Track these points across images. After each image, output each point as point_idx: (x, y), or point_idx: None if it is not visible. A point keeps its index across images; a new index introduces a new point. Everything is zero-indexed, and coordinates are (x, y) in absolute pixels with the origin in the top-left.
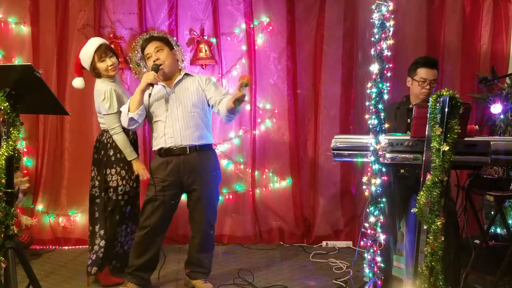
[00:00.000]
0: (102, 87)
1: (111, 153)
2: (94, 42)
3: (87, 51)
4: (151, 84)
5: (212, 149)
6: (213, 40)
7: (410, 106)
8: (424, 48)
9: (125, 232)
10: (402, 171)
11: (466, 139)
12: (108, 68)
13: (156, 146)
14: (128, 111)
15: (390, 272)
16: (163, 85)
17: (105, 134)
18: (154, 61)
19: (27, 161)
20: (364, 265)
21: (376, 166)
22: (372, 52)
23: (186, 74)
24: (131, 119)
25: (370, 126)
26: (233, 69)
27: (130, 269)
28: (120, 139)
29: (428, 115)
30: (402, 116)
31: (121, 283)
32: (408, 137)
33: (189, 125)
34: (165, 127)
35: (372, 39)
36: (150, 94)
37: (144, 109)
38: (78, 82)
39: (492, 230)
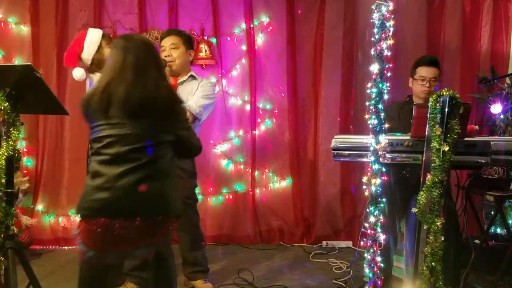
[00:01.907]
0: None
1: None
2: (97, 30)
3: (94, 36)
4: None
5: None
6: (213, 40)
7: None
8: (424, 48)
9: None
10: (404, 172)
11: (466, 139)
12: None
13: None
14: None
15: (390, 272)
16: None
17: None
18: (165, 56)
19: (27, 161)
20: (364, 265)
21: (376, 166)
22: (372, 52)
23: (192, 76)
24: None
25: (370, 126)
26: (233, 69)
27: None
28: None
29: (428, 115)
30: (405, 116)
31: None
32: (408, 137)
33: None
34: None
35: (372, 39)
36: None
37: None
38: (80, 73)
39: (492, 230)
